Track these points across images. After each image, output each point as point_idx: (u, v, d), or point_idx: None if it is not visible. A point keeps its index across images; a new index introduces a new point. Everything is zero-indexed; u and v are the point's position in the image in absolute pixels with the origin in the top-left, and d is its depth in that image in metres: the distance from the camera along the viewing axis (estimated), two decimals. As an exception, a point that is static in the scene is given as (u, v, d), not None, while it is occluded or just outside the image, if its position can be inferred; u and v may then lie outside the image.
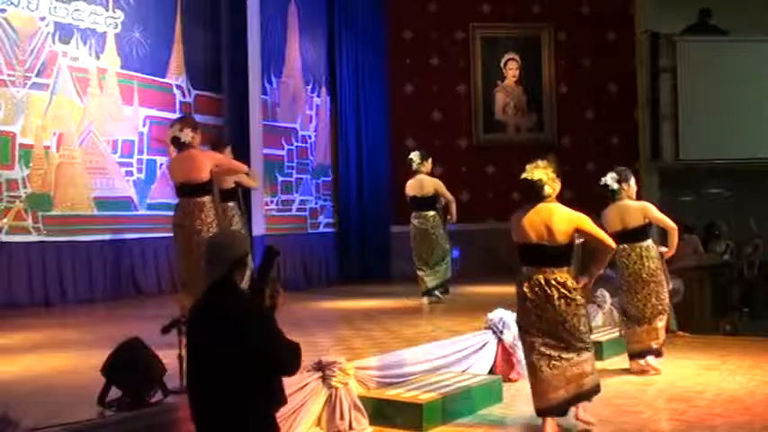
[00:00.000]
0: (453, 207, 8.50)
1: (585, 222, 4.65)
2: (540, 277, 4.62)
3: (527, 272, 4.69)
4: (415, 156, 8.58)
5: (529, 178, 4.68)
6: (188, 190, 6.13)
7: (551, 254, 4.63)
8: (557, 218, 4.60)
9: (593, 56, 13.16)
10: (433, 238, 8.50)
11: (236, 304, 3.22)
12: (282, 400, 3.35)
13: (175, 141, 6.13)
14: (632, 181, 6.51)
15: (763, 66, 12.73)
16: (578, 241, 4.97)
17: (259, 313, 3.22)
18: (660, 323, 6.49)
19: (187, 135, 6.06)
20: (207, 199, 6.09)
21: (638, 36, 12.87)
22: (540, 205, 4.65)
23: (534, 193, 4.67)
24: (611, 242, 4.76)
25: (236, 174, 6.61)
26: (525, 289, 4.67)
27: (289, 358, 3.23)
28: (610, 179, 6.42)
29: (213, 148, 7.38)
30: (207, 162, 6.13)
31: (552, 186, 4.66)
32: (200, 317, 3.31)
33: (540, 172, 4.66)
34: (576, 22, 13.17)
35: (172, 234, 6.35)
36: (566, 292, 4.61)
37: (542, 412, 4.71)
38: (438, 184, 8.54)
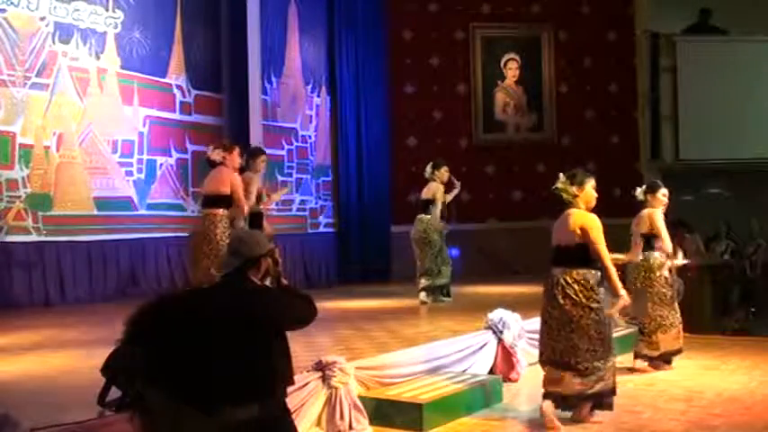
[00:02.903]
0: (436, 211, 8.44)
1: (591, 225, 4.86)
2: (557, 275, 4.91)
3: (551, 271, 4.99)
4: (428, 167, 8.61)
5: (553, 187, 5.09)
6: (207, 202, 6.90)
7: (566, 253, 4.91)
8: (571, 219, 4.91)
9: (593, 56, 13.16)
10: (425, 242, 8.45)
11: (244, 288, 3.46)
12: (291, 380, 3.56)
13: (208, 160, 6.96)
14: (659, 193, 6.57)
15: (763, 66, 12.75)
16: None
17: (264, 287, 3.50)
18: (662, 335, 6.48)
19: (218, 155, 6.84)
20: (221, 211, 6.74)
21: (638, 36, 12.89)
22: (567, 211, 4.98)
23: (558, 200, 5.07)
24: (603, 254, 4.85)
25: (238, 201, 6.86)
26: (545, 285, 5.01)
27: (305, 306, 3.49)
28: (638, 190, 6.69)
29: (249, 155, 7.38)
30: (227, 179, 6.80)
31: (569, 193, 4.97)
32: (212, 303, 3.52)
33: (559, 182, 5.02)
34: (576, 22, 13.17)
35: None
36: (571, 292, 4.82)
37: (543, 395, 4.98)
38: (437, 190, 8.51)
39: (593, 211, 5.03)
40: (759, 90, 12.60)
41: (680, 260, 6.94)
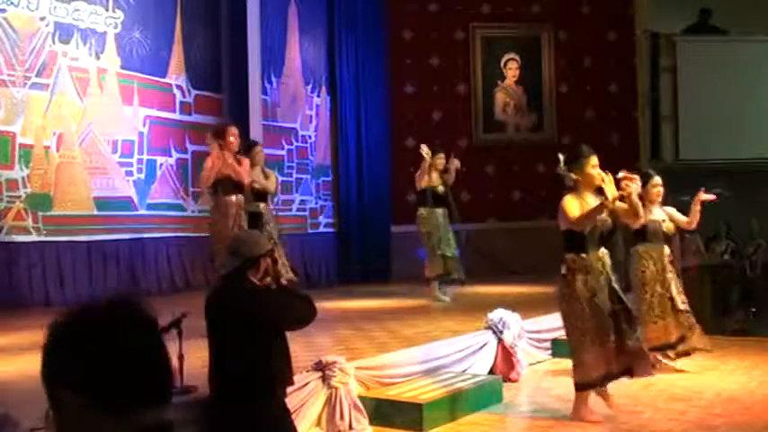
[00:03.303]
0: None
1: (560, 205, 4.87)
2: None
3: None
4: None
5: None
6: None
7: (563, 239, 4.95)
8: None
9: (593, 56, 13.15)
10: (421, 235, 8.67)
11: (243, 288, 3.49)
12: (290, 380, 3.60)
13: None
14: (649, 184, 6.52)
15: (763, 66, 12.75)
16: None
17: (264, 288, 3.53)
18: (642, 327, 6.43)
19: (210, 143, 6.63)
20: (217, 198, 6.66)
21: (638, 36, 12.89)
22: None
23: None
24: (573, 220, 4.83)
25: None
26: None
27: (304, 306, 3.52)
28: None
29: (245, 151, 7.36)
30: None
31: (570, 179, 4.94)
32: (212, 302, 3.58)
33: (560, 168, 5.00)
34: (576, 22, 13.16)
35: None
36: (561, 278, 4.95)
37: None
38: (419, 178, 8.67)
39: (599, 191, 4.95)
40: (759, 90, 12.60)
41: (708, 196, 6.80)
